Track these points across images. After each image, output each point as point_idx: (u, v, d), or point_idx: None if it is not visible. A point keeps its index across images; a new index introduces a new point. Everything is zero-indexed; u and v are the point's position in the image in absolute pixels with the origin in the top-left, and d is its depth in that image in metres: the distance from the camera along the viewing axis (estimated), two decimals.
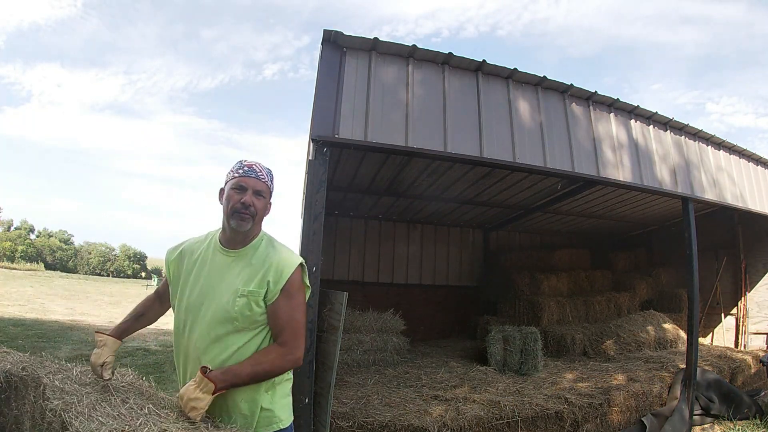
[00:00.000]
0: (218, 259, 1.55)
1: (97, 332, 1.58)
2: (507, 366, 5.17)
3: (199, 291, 1.52)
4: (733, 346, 6.97)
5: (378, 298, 7.18)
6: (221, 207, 1.56)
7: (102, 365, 1.49)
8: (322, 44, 3.32)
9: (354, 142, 3.22)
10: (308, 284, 1.59)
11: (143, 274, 65.14)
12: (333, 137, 3.13)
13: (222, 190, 1.58)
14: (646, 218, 7.76)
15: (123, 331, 1.66)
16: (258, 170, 1.54)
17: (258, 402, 1.49)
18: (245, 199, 1.50)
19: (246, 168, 1.54)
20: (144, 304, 1.76)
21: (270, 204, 1.60)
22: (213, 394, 1.35)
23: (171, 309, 1.65)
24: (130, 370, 1.69)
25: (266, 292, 1.48)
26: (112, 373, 1.54)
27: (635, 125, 4.54)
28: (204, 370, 1.39)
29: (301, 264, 1.54)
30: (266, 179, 1.56)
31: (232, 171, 1.56)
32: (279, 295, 1.48)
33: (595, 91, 4.20)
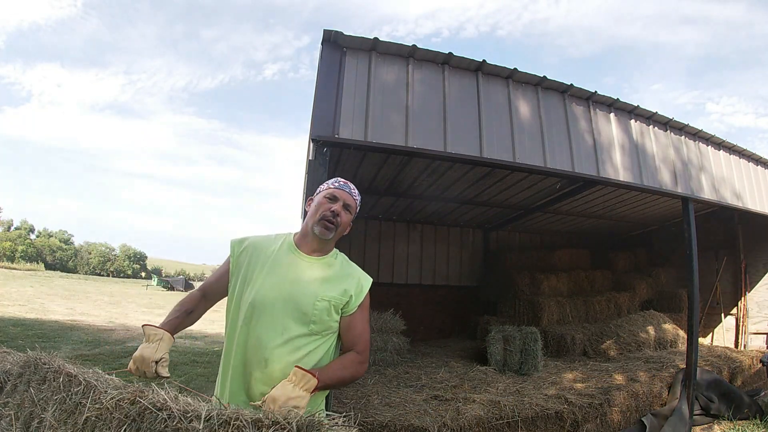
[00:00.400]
0: (295, 261, 1.54)
1: (147, 325, 1.43)
2: (507, 366, 5.17)
3: (270, 287, 1.48)
4: (733, 346, 6.98)
5: (378, 298, 7.14)
6: (308, 213, 1.60)
7: (159, 361, 1.36)
8: (322, 44, 3.32)
9: (354, 142, 3.22)
10: None
11: (143, 274, 65.18)
12: (333, 137, 3.13)
13: (311, 199, 1.65)
14: (646, 218, 7.76)
15: (175, 327, 1.52)
16: (352, 188, 1.64)
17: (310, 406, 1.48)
18: (335, 208, 1.55)
19: (341, 183, 1.62)
20: (191, 300, 1.63)
21: (350, 225, 1.65)
22: (312, 392, 1.31)
23: (225, 302, 1.59)
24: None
25: (347, 303, 1.52)
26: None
27: (635, 125, 4.54)
28: (299, 368, 1.33)
29: (371, 282, 1.64)
30: (355, 197, 1.63)
31: (327, 183, 1.63)
32: (357, 308, 1.55)
33: (595, 91, 4.20)
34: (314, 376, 1.30)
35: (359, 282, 1.57)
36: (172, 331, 1.47)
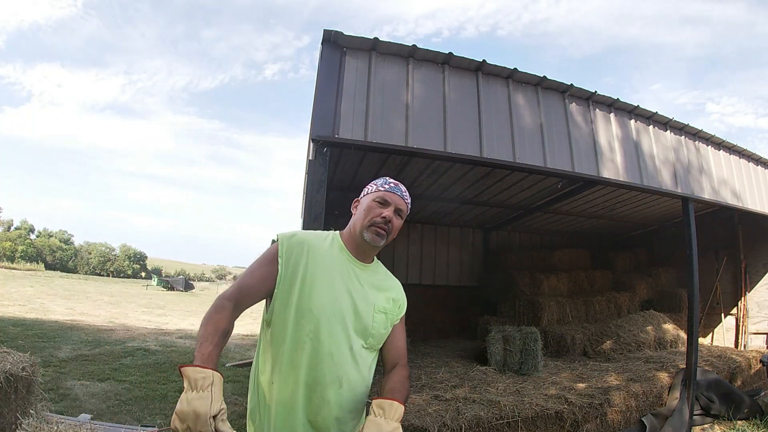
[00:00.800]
0: (349, 267, 1.42)
1: (187, 366, 1.04)
2: (507, 366, 5.17)
3: (331, 295, 1.33)
4: (733, 346, 6.97)
5: None
6: (355, 216, 1.48)
7: (216, 416, 0.99)
8: (322, 44, 3.32)
9: (354, 142, 3.22)
10: None
11: (143, 274, 65.18)
12: (333, 137, 3.13)
13: (357, 201, 1.53)
14: (646, 218, 7.76)
15: (217, 359, 1.18)
16: (403, 190, 1.49)
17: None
18: (386, 214, 1.42)
19: (392, 185, 1.47)
20: (225, 316, 1.25)
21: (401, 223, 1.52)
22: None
23: (264, 307, 1.39)
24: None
25: (395, 313, 1.45)
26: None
27: (635, 125, 4.54)
28: (387, 398, 1.20)
29: None
30: (406, 200, 1.49)
31: (375, 184, 1.48)
32: (398, 321, 1.47)
33: (595, 91, 4.20)
34: (399, 402, 1.17)
35: (401, 291, 1.50)
36: (217, 367, 1.14)
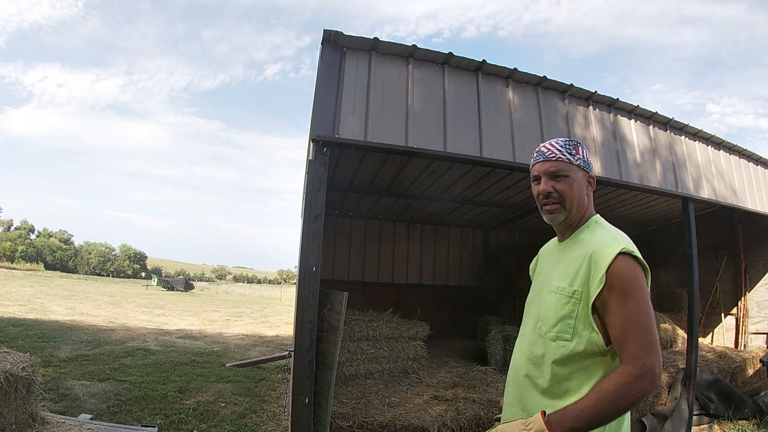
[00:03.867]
0: (553, 255, 1.38)
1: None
2: (507, 366, 5.16)
3: (529, 296, 1.37)
4: (733, 346, 6.97)
5: (378, 298, 7.18)
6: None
7: None
8: (322, 44, 3.32)
9: (354, 142, 3.22)
10: (646, 266, 1.20)
11: (143, 274, 65.17)
12: (333, 137, 3.13)
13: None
14: (646, 218, 7.76)
15: None
16: (546, 150, 1.32)
17: None
18: (542, 189, 1.32)
19: (536, 153, 1.35)
20: None
21: (582, 178, 1.32)
22: None
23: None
24: None
25: (585, 290, 1.18)
26: None
27: (635, 125, 4.54)
28: (544, 415, 1.10)
29: (625, 251, 1.17)
30: (557, 155, 1.30)
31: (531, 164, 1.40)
32: (603, 293, 1.15)
33: (595, 91, 4.20)
34: (547, 427, 1.06)
35: (593, 256, 1.19)
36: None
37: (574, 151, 1.31)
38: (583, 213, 1.33)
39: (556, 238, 1.42)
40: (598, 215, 1.36)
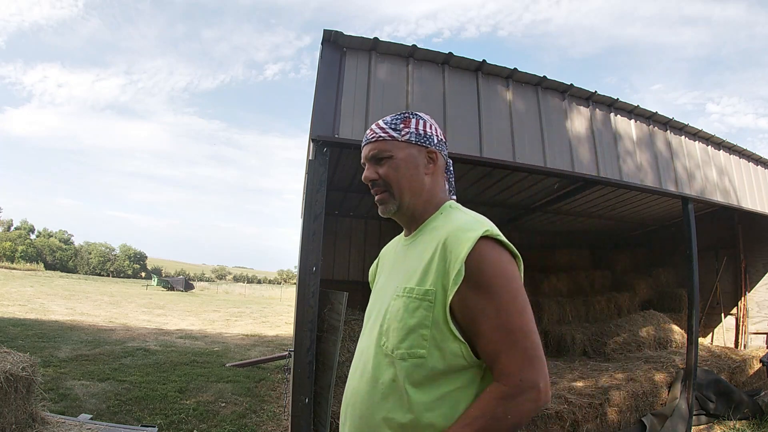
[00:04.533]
0: (398, 253, 1.12)
1: None
2: None
3: (368, 307, 1.12)
4: (733, 346, 6.97)
5: None
6: None
7: None
8: (322, 44, 3.32)
9: (354, 142, 3.22)
10: (516, 253, 0.94)
11: (143, 274, 65.20)
12: (333, 137, 3.13)
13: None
14: (646, 218, 7.76)
15: None
16: (369, 132, 1.10)
17: None
18: (365, 176, 1.08)
19: (365, 136, 1.12)
20: None
21: (416, 156, 1.06)
22: None
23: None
24: None
25: (440, 288, 0.90)
26: None
27: (635, 125, 4.54)
28: None
29: (488, 235, 0.90)
30: (378, 134, 1.07)
31: None
32: (462, 290, 0.88)
33: (595, 91, 4.20)
34: None
35: (448, 244, 0.91)
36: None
37: (402, 126, 1.06)
38: (428, 198, 1.06)
39: (402, 234, 1.16)
40: (453, 201, 1.12)
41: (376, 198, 1.08)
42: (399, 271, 1.04)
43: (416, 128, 1.07)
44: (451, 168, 1.21)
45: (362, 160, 1.11)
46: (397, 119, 1.08)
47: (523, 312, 0.87)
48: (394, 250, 1.17)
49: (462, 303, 0.88)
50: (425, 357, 0.89)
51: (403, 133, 1.06)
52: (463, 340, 0.89)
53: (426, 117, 1.12)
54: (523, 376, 0.83)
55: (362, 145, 1.11)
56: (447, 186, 1.16)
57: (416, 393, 0.89)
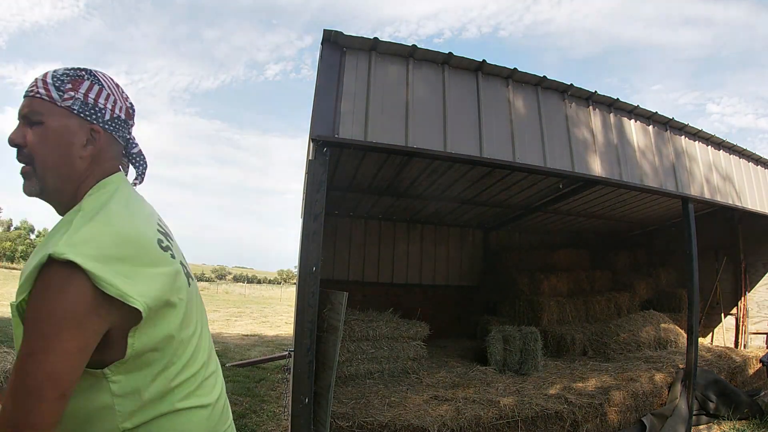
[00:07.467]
0: None
1: None
2: (507, 366, 5.17)
3: None
4: (733, 346, 6.97)
5: (378, 298, 7.19)
6: None
7: None
8: (322, 44, 3.32)
9: (354, 142, 3.22)
10: (120, 291, 0.75)
11: None
12: (333, 137, 3.13)
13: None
14: (646, 218, 7.76)
15: None
16: (31, 83, 0.87)
17: None
18: (9, 137, 0.85)
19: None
20: None
21: (73, 129, 0.86)
22: None
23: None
24: None
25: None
26: None
27: (635, 125, 4.54)
28: None
29: (62, 260, 0.71)
30: (37, 89, 0.85)
31: None
32: (16, 312, 0.77)
33: (595, 91, 4.20)
34: None
35: (31, 259, 0.78)
36: None
37: (68, 86, 0.85)
38: (76, 186, 0.86)
39: None
40: (105, 185, 0.87)
41: (20, 171, 0.86)
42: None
43: (85, 95, 0.86)
44: (136, 152, 1.00)
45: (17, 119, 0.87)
46: (66, 76, 0.86)
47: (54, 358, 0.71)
48: None
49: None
50: None
51: (66, 96, 0.85)
52: None
53: (107, 81, 0.90)
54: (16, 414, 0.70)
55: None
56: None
57: None
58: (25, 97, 0.86)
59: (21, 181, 0.88)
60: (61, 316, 0.72)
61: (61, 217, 0.87)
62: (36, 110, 0.84)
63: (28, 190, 0.86)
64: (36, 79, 0.86)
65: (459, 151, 3.51)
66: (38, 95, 0.84)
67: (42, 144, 0.83)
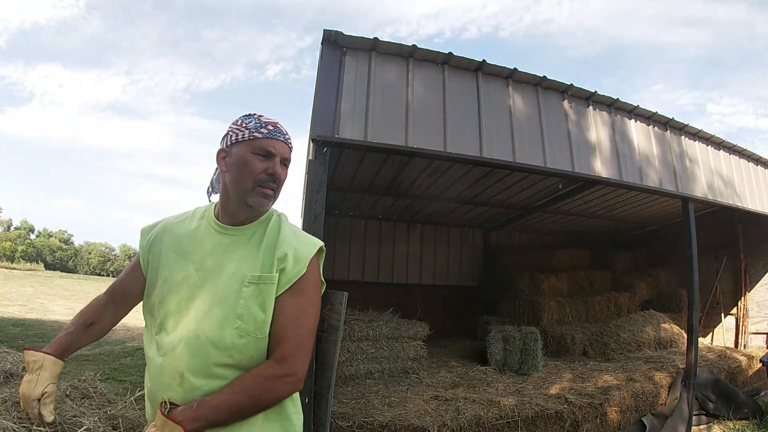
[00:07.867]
0: (214, 240, 1.14)
1: (27, 349, 1.13)
2: (507, 366, 5.17)
3: (183, 280, 1.10)
4: (733, 346, 6.97)
5: (378, 298, 7.18)
6: (228, 177, 1.12)
7: (40, 399, 1.05)
8: (322, 44, 3.33)
9: (354, 142, 3.22)
10: (323, 279, 1.20)
11: None
12: (333, 137, 3.13)
13: (224, 152, 1.13)
14: (646, 218, 7.76)
15: (66, 347, 1.16)
16: (285, 132, 1.14)
17: None
18: (275, 170, 1.11)
19: (271, 128, 1.11)
20: (92, 308, 1.27)
21: None
22: None
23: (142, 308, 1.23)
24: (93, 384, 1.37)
25: (278, 282, 1.08)
26: (55, 410, 1.10)
27: (635, 125, 4.54)
28: (163, 408, 0.98)
29: (321, 249, 1.17)
30: (291, 144, 1.18)
31: (246, 128, 1.10)
32: (286, 289, 1.07)
33: (595, 91, 4.20)
34: (177, 422, 0.92)
35: (297, 251, 1.11)
36: (61, 353, 1.13)
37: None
38: None
39: (203, 218, 1.19)
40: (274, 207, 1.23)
41: (267, 191, 1.12)
42: (231, 258, 1.11)
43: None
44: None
45: (272, 151, 1.11)
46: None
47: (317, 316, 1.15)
48: (202, 233, 1.17)
49: (281, 297, 1.08)
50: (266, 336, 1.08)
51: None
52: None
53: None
54: (294, 363, 1.04)
55: (276, 137, 1.12)
56: None
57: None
58: (284, 144, 1.15)
59: (259, 197, 1.15)
60: (318, 286, 1.16)
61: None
62: (290, 160, 1.18)
63: (267, 207, 1.15)
64: (283, 129, 1.15)
65: (459, 151, 3.51)
66: (290, 146, 1.17)
67: (284, 181, 1.18)
